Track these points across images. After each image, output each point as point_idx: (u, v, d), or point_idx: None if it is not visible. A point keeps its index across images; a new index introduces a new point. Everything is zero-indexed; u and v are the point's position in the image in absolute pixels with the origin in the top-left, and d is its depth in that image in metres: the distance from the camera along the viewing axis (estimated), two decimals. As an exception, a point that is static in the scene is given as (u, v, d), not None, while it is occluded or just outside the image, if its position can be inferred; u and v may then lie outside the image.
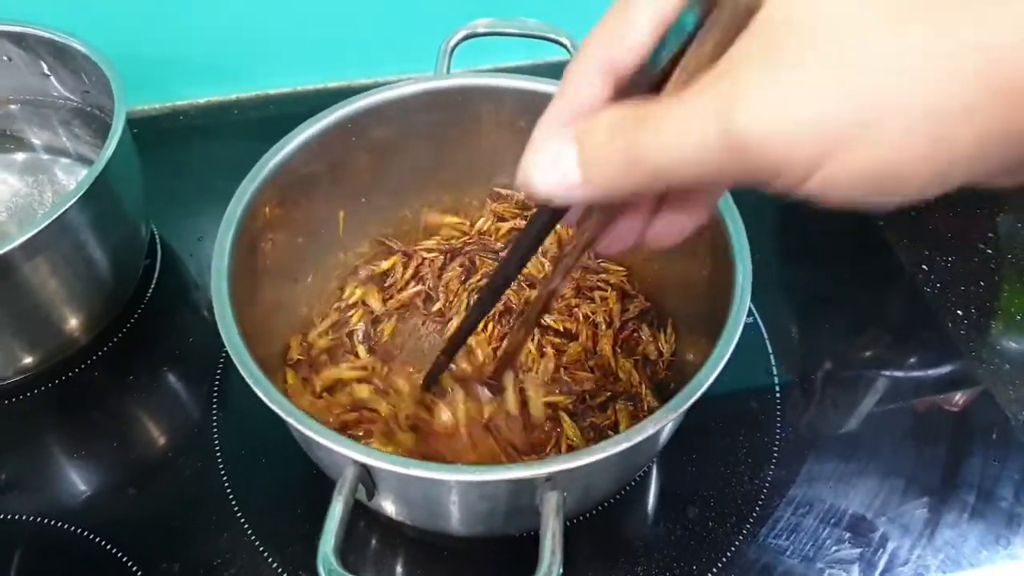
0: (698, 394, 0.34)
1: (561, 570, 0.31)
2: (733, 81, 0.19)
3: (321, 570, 0.30)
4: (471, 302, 0.52)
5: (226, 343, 0.36)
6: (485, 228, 0.55)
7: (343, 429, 0.45)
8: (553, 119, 0.23)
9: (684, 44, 0.21)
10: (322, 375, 0.48)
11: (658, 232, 0.27)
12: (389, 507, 0.39)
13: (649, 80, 0.21)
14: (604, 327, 0.50)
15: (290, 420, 0.33)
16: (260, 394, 0.34)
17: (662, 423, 0.33)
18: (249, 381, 0.34)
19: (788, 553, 0.44)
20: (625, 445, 0.32)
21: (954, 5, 0.18)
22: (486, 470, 0.33)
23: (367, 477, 0.34)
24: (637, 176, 0.21)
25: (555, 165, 0.22)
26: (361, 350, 0.50)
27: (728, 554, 0.44)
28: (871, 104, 0.18)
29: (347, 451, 0.32)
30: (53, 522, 0.45)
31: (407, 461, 0.32)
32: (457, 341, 0.42)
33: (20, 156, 0.60)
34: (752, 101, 0.19)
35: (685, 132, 0.20)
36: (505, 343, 0.47)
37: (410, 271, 0.53)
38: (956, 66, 0.17)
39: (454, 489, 0.35)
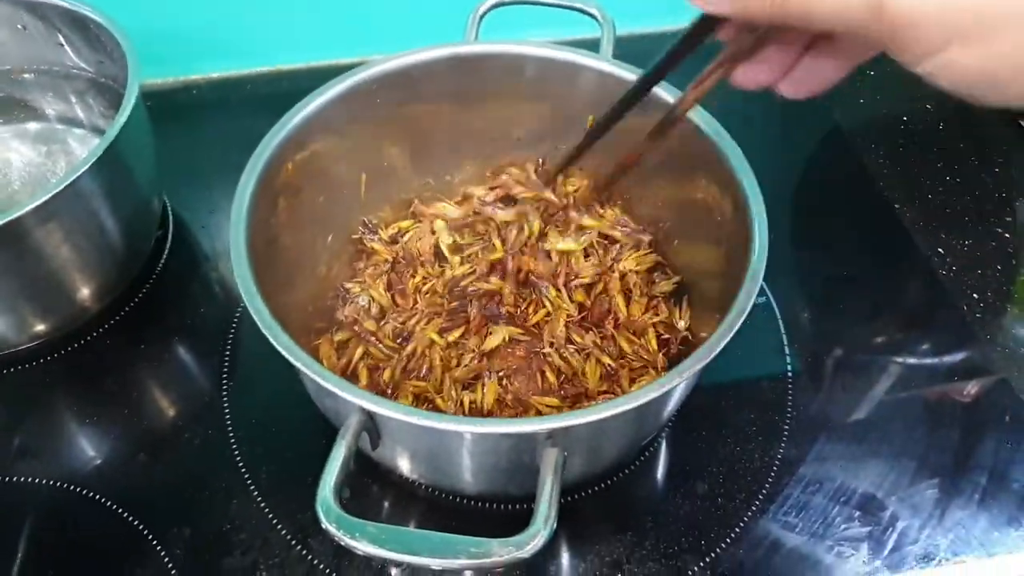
0: (706, 360, 0.34)
1: (555, 525, 0.31)
2: None
3: (320, 511, 0.30)
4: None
5: (241, 288, 0.36)
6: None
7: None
8: None
9: None
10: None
11: (798, 77, 0.30)
12: (392, 457, 0.39)
13: None
14: (638, 295, 0.50)
15: (298, 365, 0.33)
16: (270, 338, 0.34)
17: (665, 387, 0.33)
18: (260, 325, 0.34)
19: (797, 530, 0.44)
20: (625, 407, 0.32)
21: None
22: (486, 423, 0.33)
23: (371, 424, 0.34)
24: (784, 9, 0.24)
25: None
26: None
27: (737, 529, 0.44)
28: (997, 11, 0.21)
29: (353, 397, 0.32)
30: (66, 485, 0.46)
31: (409, 409, 0.33)
32: (586, 143, 0.45)
33: (34, 126, 0.61)
34: None
35: None
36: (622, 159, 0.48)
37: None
38: None
39: (454, 439, 0.35)
